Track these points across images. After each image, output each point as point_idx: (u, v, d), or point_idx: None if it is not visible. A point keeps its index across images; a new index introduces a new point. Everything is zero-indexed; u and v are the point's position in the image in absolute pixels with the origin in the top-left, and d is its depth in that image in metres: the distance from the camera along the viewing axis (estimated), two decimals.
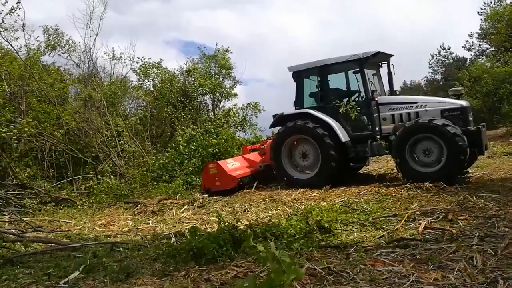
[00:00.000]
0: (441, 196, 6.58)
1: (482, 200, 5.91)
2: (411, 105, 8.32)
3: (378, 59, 9.08)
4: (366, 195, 7.22)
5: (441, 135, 7.52)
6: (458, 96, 8.60)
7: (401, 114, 8.35)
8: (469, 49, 32.47)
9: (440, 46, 37.25)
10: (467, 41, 32.12)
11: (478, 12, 29.17)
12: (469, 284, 3.06)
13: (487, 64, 26.93)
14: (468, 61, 33.86)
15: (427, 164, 7.78)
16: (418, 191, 7.01)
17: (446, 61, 37.51)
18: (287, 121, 9.12)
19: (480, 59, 30.63)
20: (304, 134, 8.93)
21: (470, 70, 27.89)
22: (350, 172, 9.41)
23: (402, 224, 5.06)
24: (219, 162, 9.66)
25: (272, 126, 10.17)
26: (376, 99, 8.55)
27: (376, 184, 8.01)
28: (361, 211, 5.91)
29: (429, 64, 38.22)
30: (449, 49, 36.79)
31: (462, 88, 9.19)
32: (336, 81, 9.45)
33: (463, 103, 8.20)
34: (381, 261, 3.70)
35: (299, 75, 9.42)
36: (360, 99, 8.81)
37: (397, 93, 9.56)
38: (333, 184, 8.42)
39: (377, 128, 8.52)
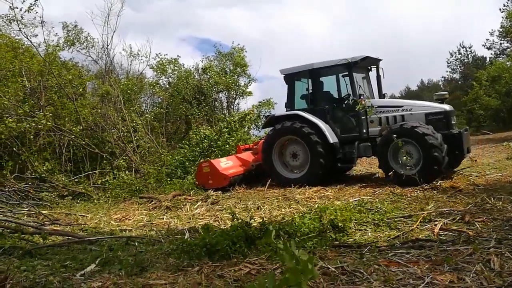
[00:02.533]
0: (458, 197, 6.46)
1: (500, 202, 5.77)
2: (397, 108, 8.65)
3: (367, 63, 9.40)
4: (381, 195, 7.17)
5: (419, 143, 7.71)
6: (442, 100, 8.80)
7: (387, 117, 8.66)
8: (489, 48, 31.84)
9: (460, 44, 36.61)
10: (487, 40, 31.49)
11: (500, 9, 28.55)
12: (485, 287, 3.01)
13: (507, 63, 26.30)
14: (488, 60, 33.16)
15: (408, 166, 7.88)
16: (434, 191, 6.93)
17: (465, 60, 36.79)
18: (278, 122, 9.44)
19: (501, 58, 29.96)
20: (294, 135, 9.25)
21: (489, 69, 27.30)
22: (338, 172, 9.69)
23: (417, 225, 4.98)
24: (212, 161, 9.93)
25: (264, 126, 10.68)
26: (364, 102, 8.67)
27: (391, 184, 7.94)
28: (376, 211, 5.85)
29: (448, 63, 37.54)
30: (470, 47, 36.07)
31: (446, 93, 9.40)
32: (326, 84, 9.70)
33: (447, 107, 8.46)
34: (396, 261, 3.66)
35: (291, 77, 9.76)
36: (349, 102, 9.13)
37: (385, 96, 9.78)
38: (322, 184, 8.66)
39: (364, 131, 8.80)
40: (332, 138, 8.92)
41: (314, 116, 9.11)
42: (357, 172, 10.95)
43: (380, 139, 8.27)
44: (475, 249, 3.77)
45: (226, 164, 9.90)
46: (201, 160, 10.56)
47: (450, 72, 38.49)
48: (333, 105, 9.35)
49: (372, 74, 9.82)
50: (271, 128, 9.70)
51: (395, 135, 7.88)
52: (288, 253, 1.83)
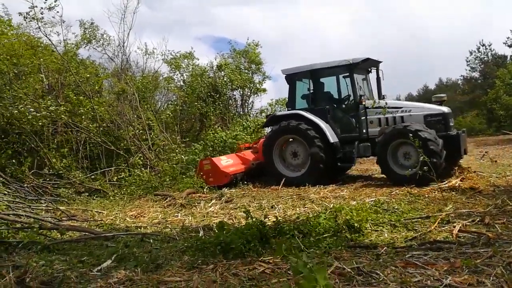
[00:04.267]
0: (478, 198, 6.33)
1: None
2: (397, 109, 8.76)
3: (367, 65, 9.56)
4: (398, 195, 7.07)
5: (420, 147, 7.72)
6: (440, 102, 8.88)
7: (387, 118, 8.78)
8: (510, 46, 31.02)
9: (479, 43, 35.68)
10: (508, 38, 30.72)
11: None
12: None
13: None
14: (509, 58, 32.32)
15: (407, 167, 8.03)
16: (453, 192, 6.80)
17: (485, 58, 35.91)
18: (279, 122, 9.63)
19: None
20: (295, 134, 9.43)
21: (510, 68, 26.62)
22: (338, 172, 9.84)
23: (435, 226, 4.89)
24: (213, 158, 10.13)
25: (265, 126, 10.97)
26: (363, 103, 8.90)
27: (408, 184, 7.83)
28: (392, 212, 5.75)
29: (467, 62, 36.68)
30: (489, 45, 35.19)
31: (444, 95, 9.47)
32: (327, 84, 9.85)
33: (445, 109, 8.59)
34: (413, 263, 3.60)
35: (292, 78, 9.95)
36: (349, 102, 9.35)
37: (385, 97, 9.88)
38: (321, 183, 8.85)
39: (364, 131, 8.98)
40: (332, 137, 9.08)
41: (315, 116, 9.28)
42: (373, 172, 10.82)
43: (379, 139, 8.41)
44: (495, 252, 3.68)
45: (227, 162, 10.11)
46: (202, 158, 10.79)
47: (469, 70, 37.65)
48: (333, 105, 9.54)
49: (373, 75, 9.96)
50: (272, 127, 9.94)
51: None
52: (300, 262, 1.81)
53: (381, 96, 9.76)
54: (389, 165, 8.21)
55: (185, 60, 18.81)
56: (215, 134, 12.77)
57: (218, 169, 9.71)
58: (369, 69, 9.86)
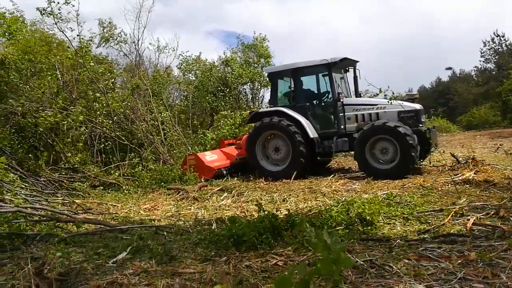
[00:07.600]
0: (492, 191, 6.25)
1: None
2: (372, 106, 9.29)
3: (345, 64, 10.01)
4: (410, 188, 7.02)
5: (394, 135, 8.36)
6: (413, 100, 9.54)
7: (363, 115, 9.33)
8: None
9: (494, 33, 34.95)
10: None
11: None
12: None
13: None
14: None
15: (385, 161, 8.67)
16: (467, 185, 6.72)
17: (499, 49, 35.14)
18: (261, 118, 10.01)
19: None
20: (277, 130, 9.82)
21: None
22: (318, 165, 10.33)
23: (449, 220, 4.86)
24: (198, 154, 10.54)
25: (248, 122, 11.42)
26: (341, 100, 9.39)
27: (421, 176, 7.77)
28: (405, 205, 5.73)
29: (481, 53, 35.95)
30: (503, 36, 34.43)
31: (417, 93, 10.11)
32: (307, 82, 10.26)
33: (417, 106, 9.15)
34: (426, 256, 3.58)
35: (274, 76, 10.46)
36: (328, 100, 9.80)
37: (361, 95, 10.40)
38: (302, 176, 9.35)
39: (342, 127, 9.50)
40: (312, 133, 9.52)
41: (295, 112, 9.66)
42: None
43: (358, 134, 8.85)
44: (510, 245, 3.64)
45: (211, 157, 10.51)
46: (187, 153, 11.12)
47: (483, 62, 36.90)
48: (313, 102, 9.98)
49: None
50: (255, 123, 10.26)
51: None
52: (320, 242, 1.82)
53: (358, 94, 10.29)
54: (367, 160, 8.68)
55: (195, 65, 19.14)
56: (206, 135, 13.46)
57: (203, 164, 10.10)
58: (347, 68, 10.31)
